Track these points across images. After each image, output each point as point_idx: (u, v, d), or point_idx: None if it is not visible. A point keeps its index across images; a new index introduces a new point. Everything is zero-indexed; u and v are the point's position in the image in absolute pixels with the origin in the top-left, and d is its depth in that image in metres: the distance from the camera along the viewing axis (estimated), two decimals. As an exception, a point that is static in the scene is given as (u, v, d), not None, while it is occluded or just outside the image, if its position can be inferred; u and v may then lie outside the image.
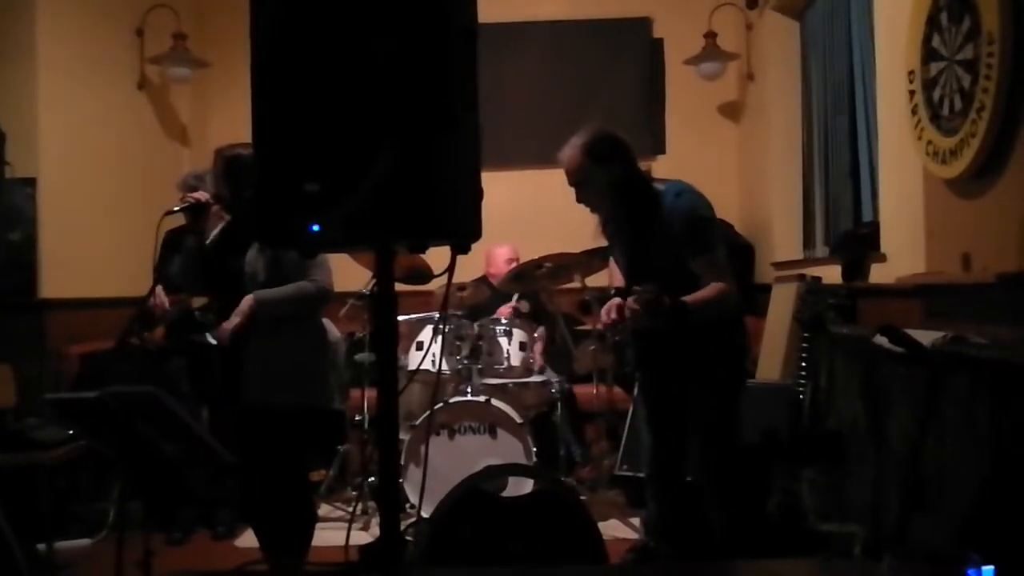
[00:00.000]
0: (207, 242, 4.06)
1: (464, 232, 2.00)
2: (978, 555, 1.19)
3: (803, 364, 3.99)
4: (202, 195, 3.83)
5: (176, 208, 3.82)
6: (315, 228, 1.94)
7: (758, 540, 3.51)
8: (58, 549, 4.77)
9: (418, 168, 1.90)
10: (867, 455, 3.46)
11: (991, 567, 1.19)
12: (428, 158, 1.92)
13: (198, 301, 5.22)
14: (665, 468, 3.83)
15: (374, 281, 2.12)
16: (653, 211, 3.60)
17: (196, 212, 3.86)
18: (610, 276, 4.15)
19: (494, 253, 6.44)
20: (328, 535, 4.78)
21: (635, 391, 4.83)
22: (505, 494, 4.23)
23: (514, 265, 6.17)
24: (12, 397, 5.18)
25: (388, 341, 2.12)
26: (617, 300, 3.74)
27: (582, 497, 4.66)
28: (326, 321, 3.90)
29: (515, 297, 6.14)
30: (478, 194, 2.03)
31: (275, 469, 3.76)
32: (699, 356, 3.64)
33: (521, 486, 4.41)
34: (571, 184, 3.68)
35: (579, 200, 3.72)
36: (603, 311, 3.83)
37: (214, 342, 5.14)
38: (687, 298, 3.44)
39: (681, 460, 3.80)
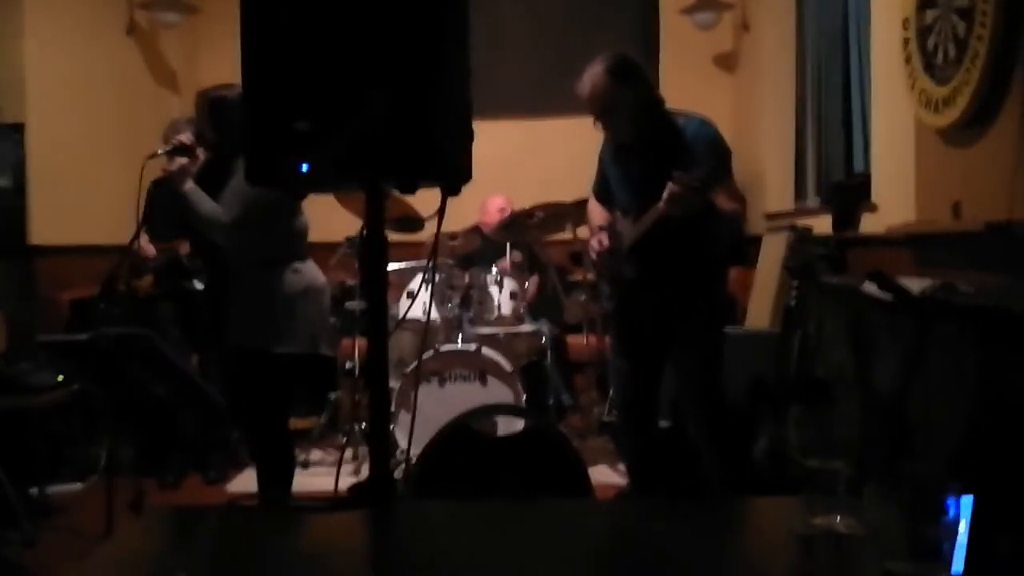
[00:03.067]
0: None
1: (454, 173, 2.00)
2: (958, 485, 1.21)
3: (792, 312, 4.00)
4: (186, 137, 3.79)
5: (160, 152, 3.78)
6: (304, 167, 1.94)
7: (743, 483, 3.54)
8: (50, 493, 4.80)
9: (408, 108, 1.90)
10: (854, 400, 3.49)
11: (969, 496, 1.21)
12: (419, 98, 1.91)
13: (185, 248, 5.22)
14: (637, 415, 3.85)
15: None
16: (676, 133, 3.58)
17: (181, 156, 3.82)
18: (590, 217, 4.13)
19: (486, 203, 6.42)
20: (318, 480, 4.84)
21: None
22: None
23: (506, 215, 6.19)
24: (3, 342, 5.18)
25: (378, 284, 2.12)
26: (604, 234, 3.76)
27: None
28: (311, 265, 3.87)
29: (508, 247, 6.13)
30: (468, 135, 2.02)
31: (254, 411, 3.79)
32: (676, 301, 3.65)
33: (511, 429, 4.43)
34: (596, 110, 3.64)
35: (605, 126, 3.68)
36: (593, 241, 3.83)
37: (201, 287, 5.17)
38: (715, 200, 3.45)
39: (653, 407, 3.82)
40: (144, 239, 5.28)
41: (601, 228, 3.95)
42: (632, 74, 3.61)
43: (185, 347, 5.23)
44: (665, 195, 3.36)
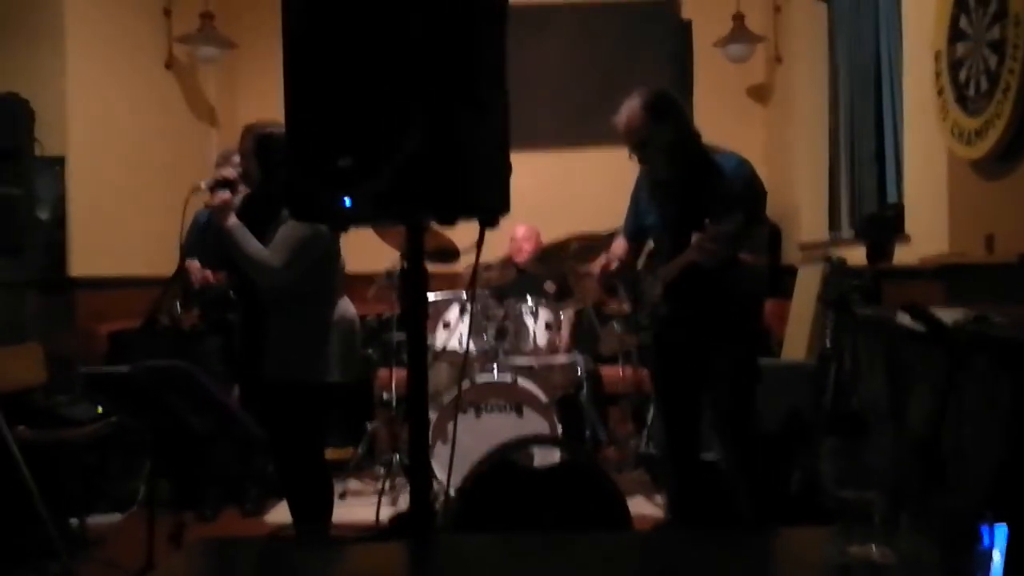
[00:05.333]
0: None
1: (493, 206, 2.03)
2: (992, 514, 1.22)
3: (828, 345, 4.01)
4: (230, 172, 3.83)
5: (202, 185, 3.82)
6: (347, 202, 1.98)
7: (778, 514, 3.53)
8: (90, 524, 4.84)
9: (448, 143, 1.94)
10: (888, 431, 3.49)
11: (1004, 524, 1.22)
12: (458, 133, 1.95)
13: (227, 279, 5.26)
14: (678, 448, 3.85)
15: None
16: (712, 171, 3.59)
17: (223, 190, 3.86)
18: (611, 250, 4.16)
19: (511, 232, 6.47)
20: (357, 511, 4.86)
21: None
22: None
23: (531, 243, 6.27)
24: (43, 375, 5.24)
25: (418, 316, 2.15)
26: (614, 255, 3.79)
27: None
28: (344, 299, 3.91)
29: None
30: (506, 169, 2.06)
31: (288, 444, 3.81)
32: (713, 338, 3.66)
33: (547, 460, 4.44)
34: (632, 145, 3.62)
35: (642, 162, 3.67)
36: (602, 257, 3.83)
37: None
38: (740, 255, 3.46)
39: (694, 440, 3.82)
40: (195, 263, 5.24)
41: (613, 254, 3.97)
42: (669, 110, 3.60)
43: (227, 379, 5.26)
44: (695, 245, 3.37)
